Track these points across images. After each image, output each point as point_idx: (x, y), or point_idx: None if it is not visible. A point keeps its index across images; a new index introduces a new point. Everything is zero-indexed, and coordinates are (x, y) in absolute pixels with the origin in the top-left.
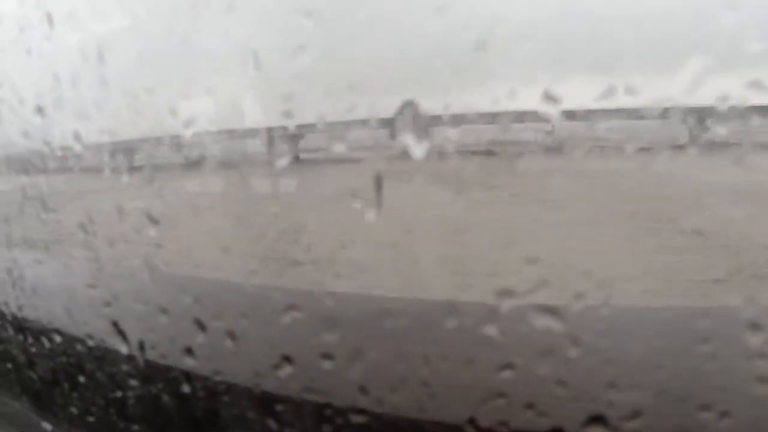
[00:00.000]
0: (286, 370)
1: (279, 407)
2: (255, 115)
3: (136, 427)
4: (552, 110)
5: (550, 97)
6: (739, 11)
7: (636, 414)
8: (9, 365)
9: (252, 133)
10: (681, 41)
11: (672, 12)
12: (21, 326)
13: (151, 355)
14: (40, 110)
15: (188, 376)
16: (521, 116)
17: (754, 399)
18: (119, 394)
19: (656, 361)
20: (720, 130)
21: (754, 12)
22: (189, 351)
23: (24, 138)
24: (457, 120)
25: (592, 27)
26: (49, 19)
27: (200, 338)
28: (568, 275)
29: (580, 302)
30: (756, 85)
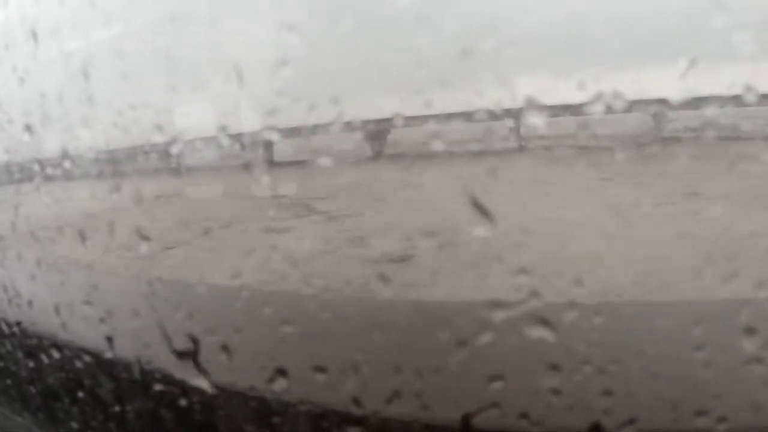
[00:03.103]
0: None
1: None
2: (239, 128)
3: None
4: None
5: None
6: (727, 13)
7: (632, 421)
8: (9, 381)
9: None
10: (670, 43)
11: (660, 14)
12: (19, 342)
13: (148, 369)
14: (28, 127)
15: (185, 390)
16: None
17: (751, 404)
18: (118, 408)
19: (652, 368)
20: None
21: (741, 14)
22: (186, 364)
23: (14, 154)
24: None
25: (582, 30)
26: (34, 36)
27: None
28: None
29: (572, 311)
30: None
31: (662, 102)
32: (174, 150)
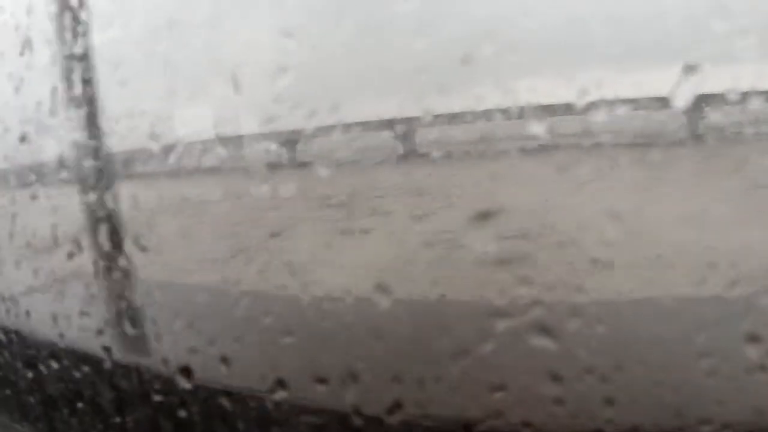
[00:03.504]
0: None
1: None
2: (238, 133)
3: None
4: None
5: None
6: (729, 16)
7: (635, 429)
8: (8, 391)
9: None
10: (669, 45)
11: (661, 17)
12: (18, 352)
13: (147, 378)
14: (24, 135)
15: (184, 400)
16: None
17: (755, 411)
18: (117, 417)
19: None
20: None
21: (743, 17)
22: (185, 373)
23: (10, 162)
24: None
25: (583, 33)
26: (29, 44)
27: (195, 361)
28: None
29: (575, 320)
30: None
31: (663, 103)
32: (171, 160)
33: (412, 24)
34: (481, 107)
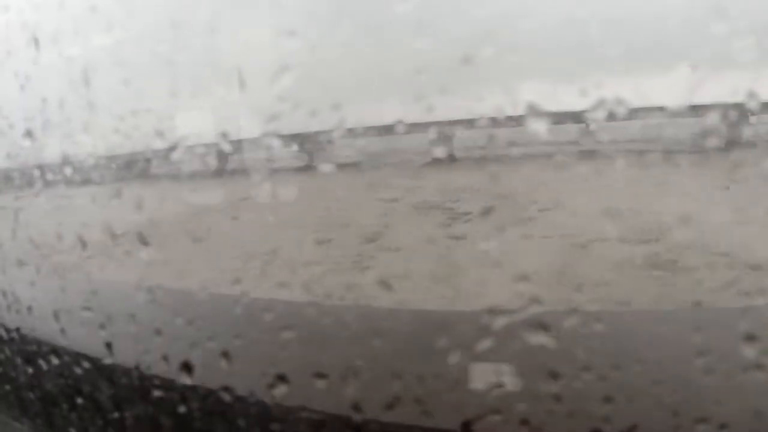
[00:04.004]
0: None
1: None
2: (240, 135)
3: None
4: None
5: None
6: (727, 19)
7: (633, 428)
8: (8, 386)
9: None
10: (668, 48)
11: (660, 19)
12: (18, 348)
13: (147, 375)
14: (29, 133)
15: (184, 396)
16: None
17: (752, 410)
18: (117, 414)
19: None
20: None
21: (742, 20)
22: (185, 370)
23: (15, 160)
24: None
25: (582, 35)
26: (35, 42)
27: (195, 357)
28: None
29: (574, 317)
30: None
31: (662, 109)
32: (173, 157)
33: (412, 24)
34: (481, 107)
